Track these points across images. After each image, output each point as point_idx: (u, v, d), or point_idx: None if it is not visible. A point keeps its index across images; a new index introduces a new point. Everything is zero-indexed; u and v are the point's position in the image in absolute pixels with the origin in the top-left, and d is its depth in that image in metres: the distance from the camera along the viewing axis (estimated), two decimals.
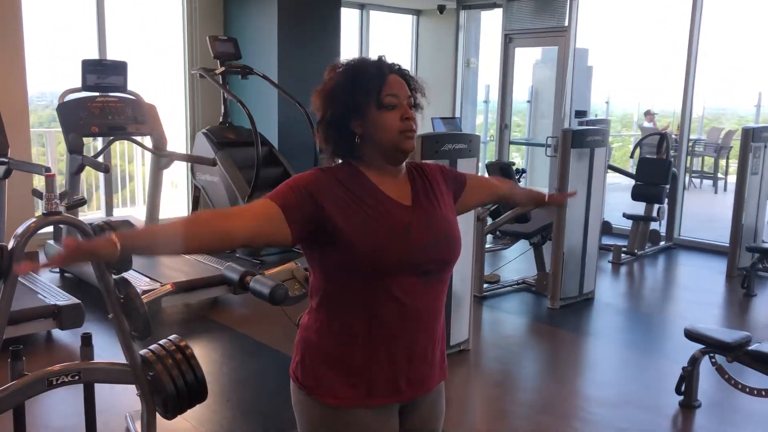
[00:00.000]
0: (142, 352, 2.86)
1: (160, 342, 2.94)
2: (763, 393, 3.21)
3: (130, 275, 4.42)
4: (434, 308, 1.57)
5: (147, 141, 5.56)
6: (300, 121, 6.57)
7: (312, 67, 7.33)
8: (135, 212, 6.92)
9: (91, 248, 1.31)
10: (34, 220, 2.57)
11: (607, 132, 5.32)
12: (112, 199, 7.08)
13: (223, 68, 6.19)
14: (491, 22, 8.52)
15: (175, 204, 7.27)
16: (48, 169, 4.22)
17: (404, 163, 1.59)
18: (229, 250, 1.19)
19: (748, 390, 3.27)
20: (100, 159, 5.08)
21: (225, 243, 1.43)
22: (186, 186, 7.35)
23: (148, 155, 5.82)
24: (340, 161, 1.59)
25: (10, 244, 2.47)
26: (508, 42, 8.22)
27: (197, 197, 6.40)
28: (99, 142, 6.14)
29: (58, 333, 4.21)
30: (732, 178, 11.69)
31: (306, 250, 1.56)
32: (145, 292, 3.92)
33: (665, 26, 11.43)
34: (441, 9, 8.54)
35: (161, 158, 5.45)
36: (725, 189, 11.33)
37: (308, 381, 1.55)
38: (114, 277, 2.75)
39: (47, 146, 7.09)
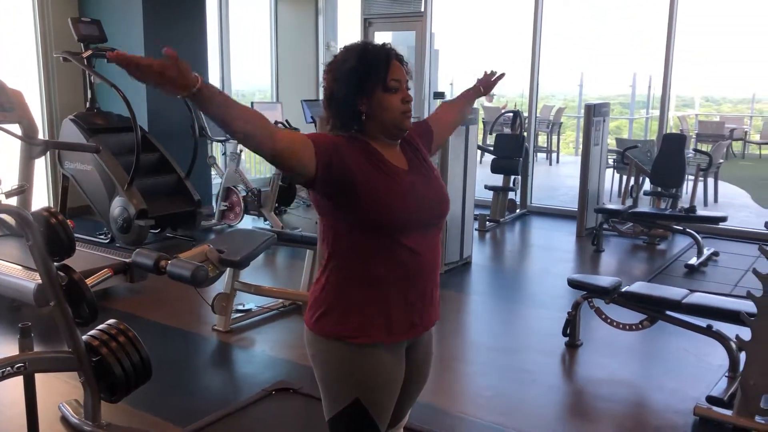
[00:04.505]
0: (84, 338, 2.85)
1: (100, 327, 2.93)
2: (634, 327, 3.81)
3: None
4: (436, 255, 1.84)
5: (15, 129, 5.23)
6: (172, 105, 6.44)
7: (180, 48, 7.16)
8: None
9: (184, 70, 1.41)
10: None
11: (477, 111, 5.81)
12: None
13: (89, 51, 5.92)
14: (350, 7, 8.79)
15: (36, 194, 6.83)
16: None
17: None
18: (265, 148, 1.31)
19: (621, 326, 3.85)
20: None
21: (268, 140, 1.56)
22: (46, 176, 6.94)
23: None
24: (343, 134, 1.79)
25: None
26: (368, 26, 8.55)
27: (66, 187, 6.10)
28: None
29: None
30: (563, 152, 13.00)
31: (327, 210, 1.74)
32: None
33: (505, 14, 12.38)
34: None
35: (34, 147, 5.16)
36: (558, 161, 12.55)
37: (334, 328, 1.74)
38: (56, 264, 2.71)
39: None
